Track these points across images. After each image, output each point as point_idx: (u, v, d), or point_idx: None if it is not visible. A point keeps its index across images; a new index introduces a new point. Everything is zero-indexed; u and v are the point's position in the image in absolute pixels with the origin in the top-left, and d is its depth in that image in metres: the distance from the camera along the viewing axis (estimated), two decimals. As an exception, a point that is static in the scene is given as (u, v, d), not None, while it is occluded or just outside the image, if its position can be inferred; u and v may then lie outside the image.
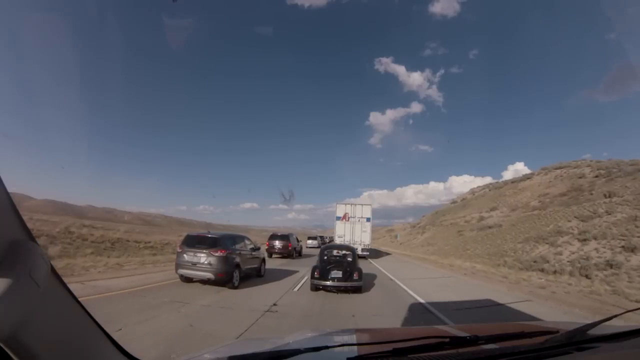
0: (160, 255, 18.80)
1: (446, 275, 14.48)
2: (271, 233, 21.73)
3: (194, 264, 8.15)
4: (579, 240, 20.91)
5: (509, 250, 24.94)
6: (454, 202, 63.91)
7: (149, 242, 26.17)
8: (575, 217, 26.81)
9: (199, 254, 8.17)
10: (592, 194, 32.33)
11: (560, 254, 19.78)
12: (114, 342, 1.10)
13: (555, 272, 15.57)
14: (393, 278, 12.24)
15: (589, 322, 1.32)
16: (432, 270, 17.43)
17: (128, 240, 24.57)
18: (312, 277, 8.56)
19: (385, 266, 17.71)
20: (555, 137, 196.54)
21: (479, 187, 62.39)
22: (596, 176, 37.46)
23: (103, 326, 1.06)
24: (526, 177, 47.83)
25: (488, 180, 67.96)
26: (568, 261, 17.78)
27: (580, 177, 39.20)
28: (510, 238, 28.21)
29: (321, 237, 40.81)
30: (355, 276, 8.41)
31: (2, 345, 0.69)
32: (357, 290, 8.52)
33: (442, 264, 20.77)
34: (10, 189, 0.76)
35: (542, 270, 16.42)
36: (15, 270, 0.69)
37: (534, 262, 18.72)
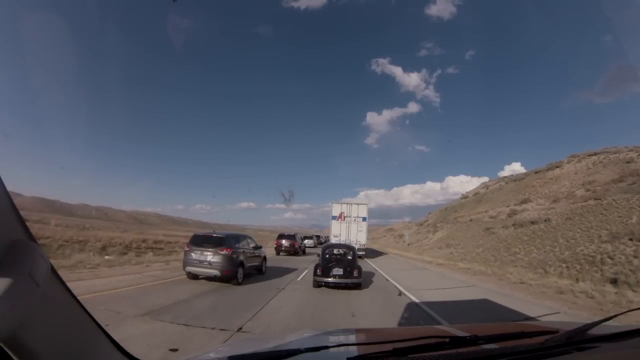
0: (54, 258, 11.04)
1: None
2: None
3: (201, 261, 8.54)
4: None
5: (595, 253, 17.87)
6: (464, 197, 57.38)
7: (58, 239, 19.72)
8: (668, 206, 20.19)
9: (205, 253, 8.55)
10: (661, 179, 26.05)
11: None
12: (114, 342, 1.07)
13: None
14: None
15: (589, 322, 1.27)
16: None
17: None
18: (315, 274, 8.97)
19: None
20: (552, 137, 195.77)
21: (493, 180, 56.29)
22: (651, 160, 31.48)
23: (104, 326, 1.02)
24: (555, 166, 41.78)
25: (485, 180, 62.57)
26: None
27: (628, 162, 33.20)
28: (580, 236, 21.32)
29: (317, 236, 40.15)
30: (355, 273, 8.79)
31: (2, 345, 0.68)
32: (356, 286, 8.86)
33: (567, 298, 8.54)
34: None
35: None
36: (15, 270, 0.68)
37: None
